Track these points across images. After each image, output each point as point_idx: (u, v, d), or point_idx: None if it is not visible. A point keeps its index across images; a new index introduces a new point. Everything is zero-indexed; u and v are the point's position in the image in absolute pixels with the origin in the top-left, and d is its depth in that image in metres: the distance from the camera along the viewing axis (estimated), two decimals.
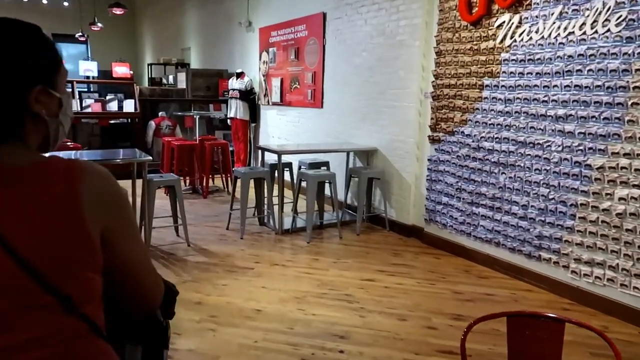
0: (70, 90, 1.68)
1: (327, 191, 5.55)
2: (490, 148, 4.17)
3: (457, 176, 4.51)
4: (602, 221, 3.41)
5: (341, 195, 5.86)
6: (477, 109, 4.26)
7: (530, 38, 3.79)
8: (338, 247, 4.79)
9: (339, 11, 6.05)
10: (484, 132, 4.22)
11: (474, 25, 4.25)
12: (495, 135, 4.12)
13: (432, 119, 4.77)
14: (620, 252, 3.32)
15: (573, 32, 3.50)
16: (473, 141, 4.33)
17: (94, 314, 0.84)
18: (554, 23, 3.61)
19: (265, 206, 5.34)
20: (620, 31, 3.22)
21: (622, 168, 3.28)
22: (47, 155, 0.87)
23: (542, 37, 3.70)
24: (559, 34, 3.59)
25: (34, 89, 0.83)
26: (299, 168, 5.88)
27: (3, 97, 0.81)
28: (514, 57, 3.92)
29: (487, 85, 4.17)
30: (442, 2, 4.57)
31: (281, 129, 7.64)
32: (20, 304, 0.76)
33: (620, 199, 3.30)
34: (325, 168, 5.82)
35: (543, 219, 3.80)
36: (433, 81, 4.72)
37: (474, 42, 4.26)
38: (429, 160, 4.84)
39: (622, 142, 3.27)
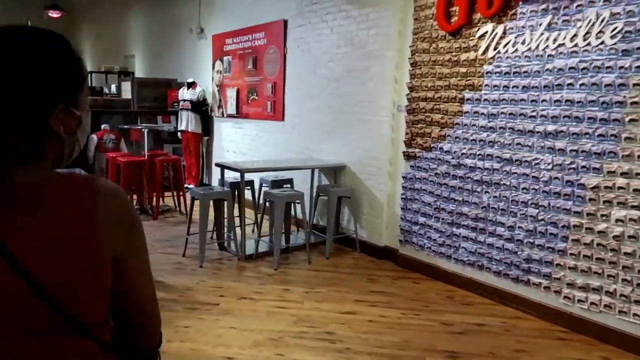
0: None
1: (293, 211, 5.14)
2: (473, 165, 3.92)
3: (436, 195, 4.23)
4: (598, 244, 3.21)
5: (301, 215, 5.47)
6: (458, 123, 4.01)
7: (516, 50, 3.58)
8: (308, 273, 4.38)
9: (301, 18, 5.69)
10: (465, 148, 3.97)
11: (453, 35, 4.01)
12: (478, 152, 3.88)
13: (407, 134, 4.48)
14: (618, 277, 3.13)
15: (563, 44, 3.31)
16: (453, 158, 4.07)
17: (105, 335, 0.84)
18: (542, 34, 3.42)
19: (226, 229, 4.85)
20: (615, 43, 3.05)
21: (619, 188, 3.10)
22: (63, 171, 0.83)
23: (529, 48, 3.50)
24: (547, 45, 3.40)
25: (57, 107, 0.78)
26: (260, 186, 5.45)
27: (26, 117, 0.75)
28: (498, 70, 3.70)
29: (468, 99, 3.93)
30: (417, 11, 4.31)
31: (238, 143, 7.16)
32: (36, 330, 0.75)
33: (617, 220, 3.11)
34: (288, 186, 5.41)
35: (532, 241, 3.57)
36: (408, 94, 4.45)
37: (454, 53, 4.01)
38: (403, 177, 4.54)
39: (619, 161, 3.09)
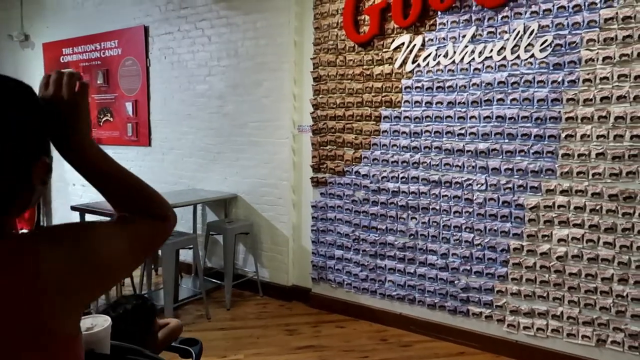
0: None
1: (182, 257, 4.23)
2: (396, 190, 3.55)
3: (354, 224, 3.77)
4: (541, 266, 3.05)
5: (188, 258, 4.58)
6: (375, 144, 3.61)
7: (438, 63, 3.30)
8: (214, 334, 3.54)
9: (168, 25, 4.80)
10: (385, 171, 3.58)
11: (364, 46, 3.61)
12: (401, 175, 3.52)
13: (314, 157, 3.95)
14: (564, 299, 3.00)
15: (490, 57, 3.12)
16: (372, 182, 3.65)
17: None
18: (467, 46, 3.19)
19: None
20: (546, 57, 2.93)
21: (559, 206, 2.97)
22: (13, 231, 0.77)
23: (453, 61, 3.25)
24: (473, 58, 3.18)
25: (38, 160, 0.76)
26: None
27: (7, 176, 0.73)
28: (419, 84, 3.39)
29: (385, 117, 3.55)
30: (317, 19, 3.82)
31: None
32: None
33: (560, 240, 2.98)
34: None
35: (469, 268, 3.31)
36: (312, 112, 3.92)
37: (365, 67, 3.61)
38: (313, 206, 3.99)
39: (557, 178, 2.96)
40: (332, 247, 3.91)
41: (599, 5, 2.76)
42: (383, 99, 3.55)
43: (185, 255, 4.60)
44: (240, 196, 4.43)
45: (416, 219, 3.49)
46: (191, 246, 3.78)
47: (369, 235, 3.70)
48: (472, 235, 3.28)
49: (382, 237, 3.64)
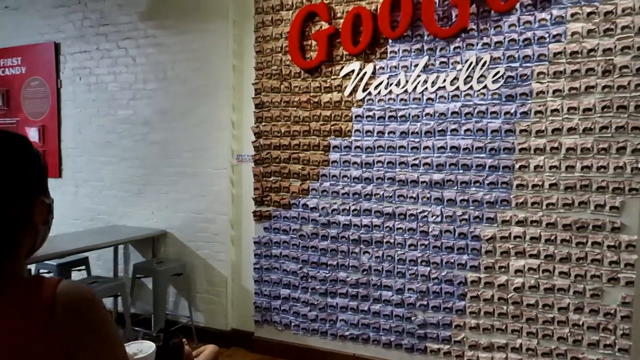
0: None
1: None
2: (347, 223, 3.37)
3: (302, 261, 3.52)
4: (499, 298, 3.01)
5: (110, 305, 4.03)
6: (324, 175, 3.42)
7: (390, 91, 3.21)
8: None
9: (84, 42, 4.31)
10: (336, 203, 3.40)
11: (311, 73, 3.44)
12: (353, 207, 3.35)
13: (256, 189, 3.66)
14: (522, 331, 2.97)
15: (444, 87, 3.08)
16: (321, 215, 3.44)
17: None
18: (419, 76, 3.13)
19: None
20: (498, 88, 2.95)
21: (515, 237, 2.96)
22: (27, 275, 0.84)
23: (405, 90, 3.17)
24: (426, 88, 3.12)
25: (37, 198, 0.84)
26: (38, 273, 3.78)
27: (10, 214, 0.79)
28: (370, 113, 3.28)
29: (335, 146, 3.38)
30: (259, 43, 3.60)
31: None
32: None
33: (517, 271, 2.97)
34: (84, 268, 3.92)
35: (425, 303, 3.19)
36: (254, 141, 3.65)
37: (313, 94, 3.44)
38: (255, 242, 3.68)
39: (513, 209, 2.96)
40: (277, 286, 3.62)
41: (547, 40, 2.83)
42: (332, 127, 3.39)
43: (107, 303, 4.04)
44: (171, 233, 4.00)
45: (369, 253, 3.32)
46: (119, 293, 3.28)
47: (318, 272, 3.47)
48: (428, 268, 3.18)
49: (333, 273, 3.43)
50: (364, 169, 3.31)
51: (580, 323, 2.84)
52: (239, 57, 3.74)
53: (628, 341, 2.75)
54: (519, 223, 2.95)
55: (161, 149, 4.02)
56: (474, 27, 2.98)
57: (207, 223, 3.86)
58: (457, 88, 3.05)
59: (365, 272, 3.34)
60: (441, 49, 3.08)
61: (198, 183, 3.89)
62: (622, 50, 2.68)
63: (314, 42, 3.41)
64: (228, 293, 3.81)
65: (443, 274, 3.13)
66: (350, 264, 3.38)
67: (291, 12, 3.47)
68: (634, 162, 2.69)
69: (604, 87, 2.73)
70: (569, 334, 2.87)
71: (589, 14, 2.74)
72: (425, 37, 3.11)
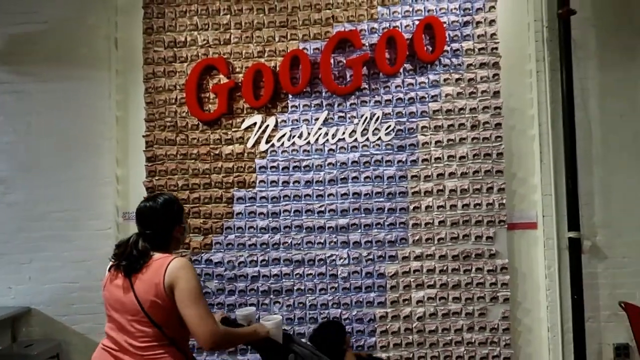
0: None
1: None
2: (255, 274, 3.33)
3: None
4: (405, 329, 3.29)
5: None
6: (229, 227, 3.35)
7: (293, 143, 3.37)
8: None
9: None
10: (242, 255, 3.34)
11: (210, 125, 3.40)
12: (261, 258, 3.34)
13: None
14: (427, 356, 3.28)
15: (343, 139, 3.36)
16: (227, 270, 3.34)
17: (169, 331, 1.77)
18: (320, 129, 3.36)
19: None
20: (391, 140, 3.34)
21: (414, 271, 3.31)
22: (165, 255, 1.84)
23: (308, 142, 3.36)
24: (327, 139, 3.36)
25: (177, 225, 1.94)
26: None
27: (165, 233, 1.89)
28: (274, 164, 3.37)
29: (239, 198, 3.36)
30: (150, 93, 3.43)
31: None
32: (135, 320, 1.76)
33: (418, 302, 3.30)
34: None
35: None
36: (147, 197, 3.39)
37: (213, 145, 3.39)
38: None
39: (410, 246, 3.32)
40: None
41: (427, 99, 3.34)
42: (235, 179, 3.37)
43: None
44: (36, 309, 3.40)
45: (280, 302, 3.32)
46: None
47: None
48: (339, 310, 3.31)
49: None
50: (271, 219, 3.35)
51: (473, 340, 3.27)
52: (123, 108, 3.49)
53: (510, 350, 3.26)
54: (417, 258, 3.31)
55: (23, 210, 3.45)
56: (367, 86, 3.37)
57: (87, 292, 3.39)
58: (355, 140, 3.36)
59: None
60: (339, 105, 3.38)
61: (74, 248, 3.42)
62: (483, 110, 3.32)
63: (211, 95, 3.40)
64: None
65: (353, 313, 3.30)
66: (261, 317, 3.32)
67: (185, 64, 3.43)
68: (500, 199, 3.29)
69: (472, 139, 3.32)
70: (464, 352, 3.27)
71: (457, 79, 3.34)
72: (324, 94, 3.38)
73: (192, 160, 3.40)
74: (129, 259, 1.79)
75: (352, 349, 2.70)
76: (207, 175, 3.39)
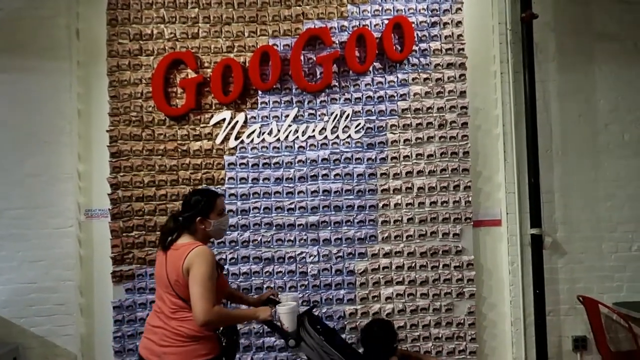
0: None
1: None
2: (224, 273, 3.28)
3: None
4: None
5: None
6: None
7: (263, 140, 3.33)
8: None
9: None
10: None
11: (178, 120, 3.32)
12: (230, 256, 3.29)
13: (115, 246, 3.27)
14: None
15: (313, 136, 3.35)
16: None
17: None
18: (290, 125, 3.35)
19: None
20: (360, 138, 3.36)
21: (383, 268, 3.34)
22: (192, 242, 2.12)
23: (278, 139, 3.34)
24: (297, 137, 3.35)
25: (201, 218, 2.16)
26: None
27: (188, 221, 2.17)
28: (243, 161, 3.32)
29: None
30: (115, 87, 3.32)
31: None
32: (166, 292, 2.07)
33: (387, 298, 3.33)
34: None
35: None
36: (111, 193, 3.28)
37: (181, 142, 3.31)
38: (115, 307, 3.25)
39: (379, 243, 3.35)
40: None
41: (396, 98, 3.38)
42: (204, 176, 3.31)
43: None
44: None
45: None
46: None
47: None
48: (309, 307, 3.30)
49: None
50: (240, 216, 3.31)
51: (440, 335, 3.33)
52: (85, 101, 3.37)
53: (475, 344, 3.34)
54: (386, 255, 3.34)
55: None
56: (337, 84, 3.37)
57: (46, 293, 3.26)
58: (325, 137, 3.36)
59: (246, 323, 3.27)
60: (309, 102, 3.37)
61: (31, 247, 3.27)
62: (450, 109, 3.39)
63: (179, 90, 3.33)
64: None
65: (323, 311, 3.30)
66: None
67: (152, 57, 3.34)
68: (466, 196, 3.37)
69: (440, 137, 3.38)
70: (432, 347, 3.33)
71: (425, 79, 3.39)
72: (294, 90, 3.36)
73: (159, 156, 3.31)
74: (162, 235, 2.16)
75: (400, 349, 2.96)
76: (175, 172, 3.31)
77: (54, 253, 3.27)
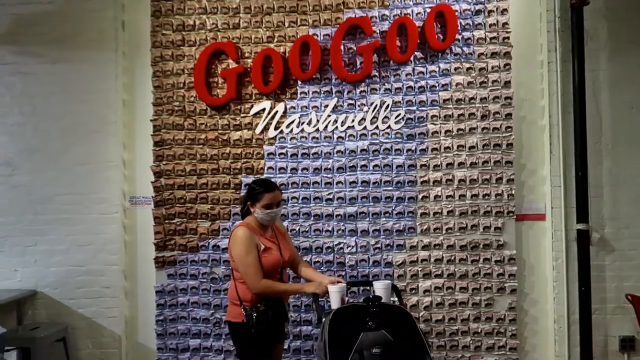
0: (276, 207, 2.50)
1: None
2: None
3: (214, 306, 3.33)
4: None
5: None
6: (236, 214, 3.31)
7: (302, 130, 3.34)
8: None
9: None
10: None
11: (219, 110, 3.37)
12: None
13: (157, 233, 3.36)
14: (433, 345, 3.28)
15: (352, 127, 3.34)
16: None
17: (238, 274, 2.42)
18: (329, 116, 3.34)
19: None
20: (400, 128, 3.32)
21: (422, 260, 3.30)
22: (240, 223, 2.55)
23: (317, 129, 3.34)
24: (336, 127, 3.34)
25: (250, 202, 2.46)
26: None
27: (243, 205, 2.60)
28: (283, 151, 3.35)
29: (247, 184, 3.33)
30: (158, 77, 3.40)
31: None
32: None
33: (425, 291, 3.30)
34: None
35: None
36: (155, 181, 3.38)
37: (221, 131, 3.36)
38: (158, 292, 3.35)
39: (418, 235, 3.31)
40: (185, 337, 3.33)
41: (437, 88, 3.32)
42: (243, 165, 3.35)
43: None
44: (42, 292, 3.39)
45: None
46: None
47: None
48: (347, 298, 3.30)
49: None
50: None
51: (479, 330, 3.28)
52: (129, 92, 3.47)
53: (516, 340, 3.27)
54: (425, 247, 3.30)
55: (28, 193, 3.42)
56: (377, 74, 3.33)
57: (93, 276, 3.39)
58: (365, 128, 3.33)
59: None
60: (348, 92, 3.35)
61: (79, 231, 3.41)
62: (493, 100, 3.30)
63: (220, 80, 3.37)
64: (123, 354, 3.36)
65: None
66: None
67: (194, 48, 3.39)
68: (509, 189, 3.28)
69: (482, 129, 3.30)
70: (470, 342, 3.28)
71: (467, 68, 3.31)
72: (334, 81, 3.35)
73: (200, 146, 3.37)
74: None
75: None
76: (215, 161, 3.36)
77: (101, 238, 3.39)
